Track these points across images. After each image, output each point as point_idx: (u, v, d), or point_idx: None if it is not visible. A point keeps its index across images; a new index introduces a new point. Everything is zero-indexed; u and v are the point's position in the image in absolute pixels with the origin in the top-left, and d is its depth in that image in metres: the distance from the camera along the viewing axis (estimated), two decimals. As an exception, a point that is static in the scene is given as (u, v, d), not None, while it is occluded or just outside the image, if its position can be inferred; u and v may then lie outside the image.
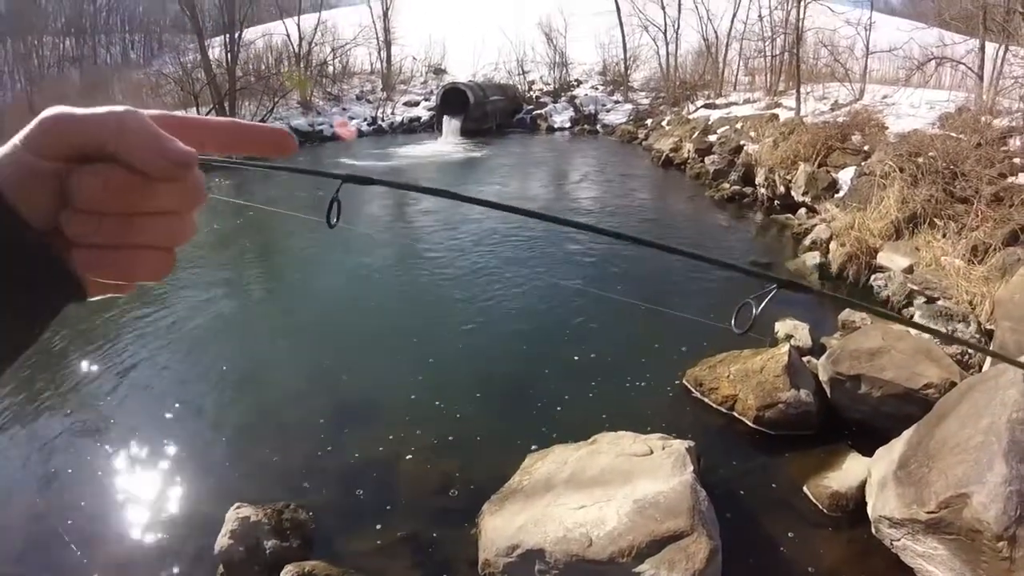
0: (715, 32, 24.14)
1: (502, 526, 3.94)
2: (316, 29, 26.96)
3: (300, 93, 24.12)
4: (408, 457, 4.97)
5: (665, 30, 25.38)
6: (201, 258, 10.19)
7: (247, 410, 5.85)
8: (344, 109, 26.15)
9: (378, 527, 4.30)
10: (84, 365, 6.85)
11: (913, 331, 6.11)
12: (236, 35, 22.73)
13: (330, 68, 28.27)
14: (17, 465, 5.23)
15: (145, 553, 4.26)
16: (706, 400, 5.61)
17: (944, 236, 7.95)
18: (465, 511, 4.31)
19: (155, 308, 8.21)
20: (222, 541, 3.99)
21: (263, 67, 25.43)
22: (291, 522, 4.20)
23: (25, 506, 4.74)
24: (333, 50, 27.95)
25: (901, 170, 9.22)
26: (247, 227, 12.45)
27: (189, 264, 9.88)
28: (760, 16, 21.88)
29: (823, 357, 5.65)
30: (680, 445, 4.26)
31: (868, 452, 4.53)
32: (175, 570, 4.08)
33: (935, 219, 8.29)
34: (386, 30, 29.62)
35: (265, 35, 26.63)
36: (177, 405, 5.99)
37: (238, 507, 4.18)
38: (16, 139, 0.45)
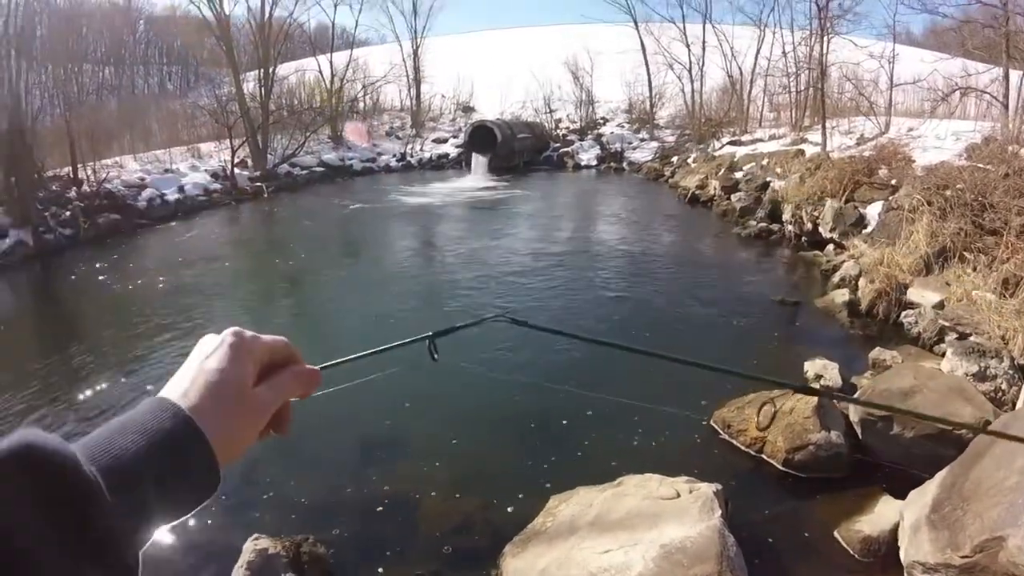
0: (739, 69, 24.34)
1: (524, 569, 3.92)
2: (348, 66, 27.62)
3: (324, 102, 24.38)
4: (429, 495, 4.96)
5: (690, 68, 25.64)
6: (226, 287, 10.44)
7: (267, 442, 5.88)
8: (374, 145, 26.67)
9: (397, 565, 4.29)
10: (105, 386, 7.05)
11: (945, 368, 6.03)
12: (270, 70, 23.39)
13: (361, 104, 28.88)
14: None
15: None
16: (734, 442, 5.53)
17: (975, 270, 7.83)
18: (486, 552, 4.28)
19: (180, 335, 8.41)
20: (239, 572, 3.99)
21: (296, 102, 26.09)
22: (309, 556, 4.18)
23: None
24: (364, 87, 28.61)
25: (929, 203, 9.13)
26: (266, 257, 12.69)
27: (222, 289, 10.10)
28: (784, 52, 22.03)
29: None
30: (708, 489, 4.21)
31: (900, 495, 4.41)
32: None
33: (965, 252, 8.17)
34: (416, 68, 30.35)
35: (298, 71, 27.36)
36: None
37: (256, 538, 4.19)
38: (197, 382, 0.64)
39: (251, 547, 4.12)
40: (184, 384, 0.63)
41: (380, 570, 4.27)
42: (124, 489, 0.51)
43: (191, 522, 4.79)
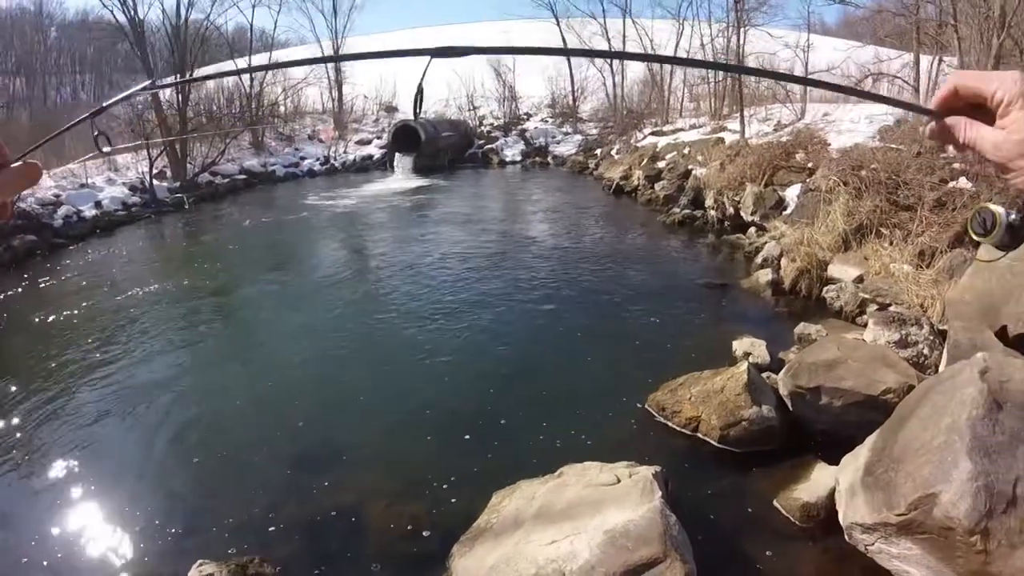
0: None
1: (473, 567, 3.86)
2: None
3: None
4: (374, 503, 4.85)
5: (611, 62, 25.94)
6: (151, 306, 9.98)
7: (203, 462, 5.66)
8: (297, 149, 26.07)
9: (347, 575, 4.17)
10: (35, 419, 6.62)
11: (868, 338, 6.21)
12: (187, 76, 22.57)
13: (281, 108, 28.23)
14: None
15: None
16: (670, 424, 5.58)
17: (891, 244, 8.13)
18: (435, 554, 4.20)
19: (114, 359, 8.01)
20: None
21: (214, 108, 25.27)
22: None
23: None
24: (284, 90, 27.93)
25: (845, 184, 9.45)
26: (191, 272, 12.22)
27: (146, 312, 9.67)
28: (702, 44, 22.55)
29: (782, 372, 5.68)
30: (647, 471, 4.22)
31: (834, 461, 4.53)
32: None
33: (881, 228, 8.48)
34: (337, 70, 29.80)
35: (216, 76, 26.47)
36: (130, 462, 5.80)
37: (200, 564, 4.04)
38: None
39: (196, 573, 3.98)
40: None
41: (332, 582, 4.14)
42: None
43: (132, 553, 4.55)
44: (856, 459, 4.20)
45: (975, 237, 0.98)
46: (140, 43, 22.00)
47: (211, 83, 25.76)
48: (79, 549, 4.65)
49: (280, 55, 28.05)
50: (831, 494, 4.29)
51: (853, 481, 4.04)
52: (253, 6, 28.03)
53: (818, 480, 4.49)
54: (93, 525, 4.89)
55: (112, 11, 21.65)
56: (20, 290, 11.55)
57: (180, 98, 22.08)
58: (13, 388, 7.37)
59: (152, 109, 21.73)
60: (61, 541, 4.75)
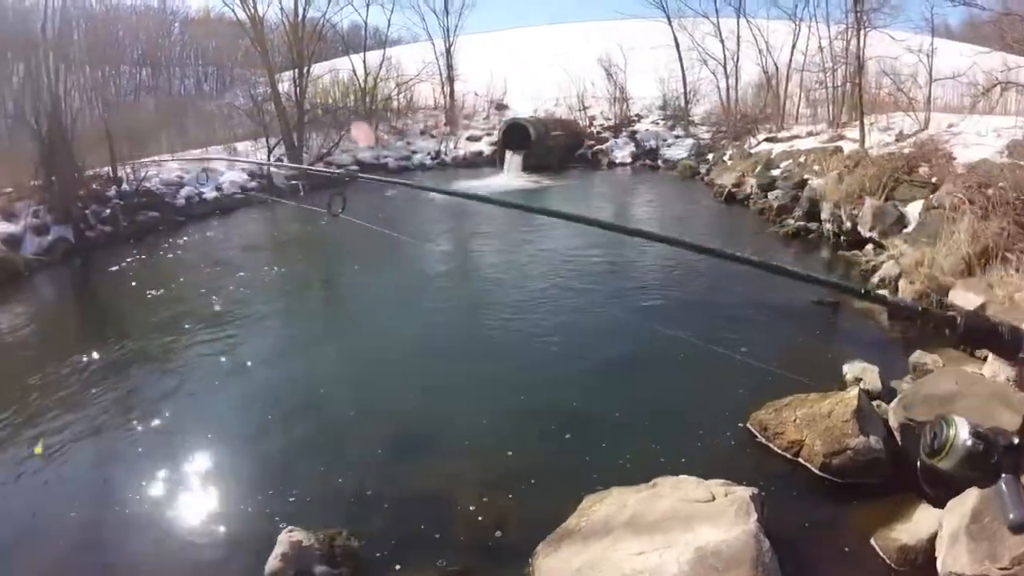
0: (775, 64, 23.97)
1: (558, 568, 3.93)
2: (381, 65, 27.86)
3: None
4: (462, 491, 5.01)
5: (725, 63, 25.35)
6: (266, 282, 10.62)
7: (305, 435, 6.04)
8: (408, 143, 26.88)
9: (429, 560, 4.33)
10: (146, 382, 7.28)
11: (987, 373, 5.92)
12: (304, 70, 23.66)
13: (394, 103, 29.08)
14: (75, 474, 5.55)
15: (195, 566, 4.41)
16: (770, 445, 5.49)
17: (1018, 271, 7.65)
18: (519, 550, 4.29)
19: (220, 330, 8.64)
20: (272, 563, 4.06)
21: (330, 101, 26.34)
22: (342, 549, 4.24)
23: (79, 515, 4.99)
24: (397, 85, 28.79)
25: (971, 202, 8.94)
26: (304, 252, 12.88)
27: (257, 288, 10.31)
28: (820, 47, 21.69)
29: (894, 402, 5.49)
30: (744, 492, 4.20)
31: (940, 504, 4.32)
32: (223, 586, 4.17)
33: (1007, 253, 7.98)
34: (449, 66, 30.43)
35: (332, 71, 27.64)
36: (235, 425, 6.28)
37: (291, 530, 4.25)
38: None
39: (285, 539, 4.18)
40: None
41: (413, 565, 4.32)
42: None
43: (226, 512, 4.93)
44: (963, 504, 4.02)
45: (922, 454, 0.86)
46: (260, 39, 23.20)
47: (327, 78, 26.87)
48: (175, 503, 5.09)
49: (393, 52, 28.89)
50: (932, 538, 4.12)
51: (957, 527, 3.88)
52: (367, 4, 29.19)
53: (920, 522, 4.30)
54: (189, 481, 5.34)
55: (233, 8, 22.94)
56: (140, 261, 12.59)
57: (297, 91, 23.18)
58: (126, 350, 8.11)
59: (271, 101, 22.93)
60: (159, 494, 5.20)
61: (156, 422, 6.37)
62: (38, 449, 5.05)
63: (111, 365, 7.72)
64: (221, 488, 5.26)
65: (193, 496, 5.19)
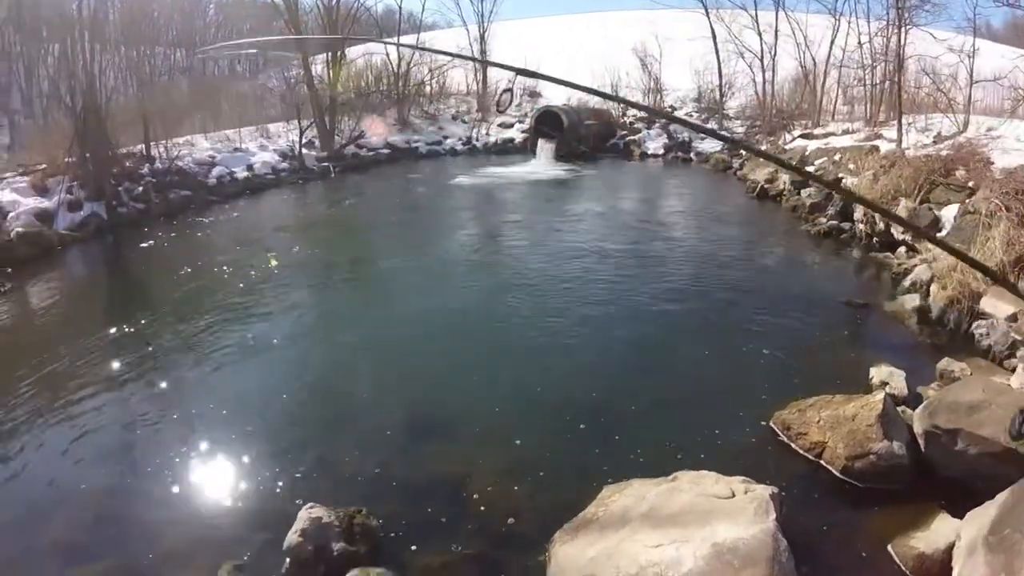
0: (813, 59, 23.51)
1: (574, 555, 3.99)
2: (415, 50, 27.87)
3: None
4: (482, 475, 5.10)
5: (762, 57, 24.93)
6: (293, 264, 10.77)
7: (327, 414, 6.18)
8: (440, 128, 26.92)
9: (446, 542, 4.43)
10: (171, 358, 7.46)
11: (1015, 384, 5.87)
12: (338, 53, 23.74)
13: (427, 88, 29.13)
14: (104, 449, 5.72)
15: (216, 539, 4.55)
16: (793, 445, 5.51)
17: (1052, 282, 7.54)
18: (536, 536, 4.37)
19: (246, 308, 8.86)
20: (292, 538, 4.19)
21: (363, 84, 26.44)
22: (361, 527, 4.35)
23: (109, 486, 5.18)
24: (431, 71, 28.78)
25: (1007, 209, 8.78)
26: (333, 234, 13.04)
27: (285, 268, 10.47)
28: (859, 43, 21.20)
29: (919, 408, 5.45)
30: (764, 491, 4.23)
31: (959, 513, 4.32)
32: (244, 558, 4.32)
33: (1042, 263, 7.87)
34: (482, 52, 30.33)
35: (365, 55, 27.72)
36: (259, 402, 6.42)
37: (311, 507, 4.39)
38: None
39: (305, 515, 4.31)
40: None
41: (430, 546, 4.42)
42: None
43: (248, 487, 5.06)
44: (983, 515, 4.00)
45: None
46: (294, 22, 23.30)
47: (361, 61, 26.92)
48: (198, 478, 5.25)
49: (427, 37, 28.93)
50: (949, 548, 4.10)
51: (975, 538, 3.86)
52: (402, -12, 28.94)
53: (939, 531, 4.30)
54: (214, 458, 5.50)
55: (271, -3, 22.97)
56: (171, 238, 12.87)
57: (331, 74, 23.30)
58: (157, 326, 8.33)
59: (304, 83, 23.07)
60: (181, 469, 5.36)
61: (181, 398, 6.57)
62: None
63: (139, 340, 7.93)
64: (243, 463, 5.41)
65: (216, 471, 5.34)
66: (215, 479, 5.22)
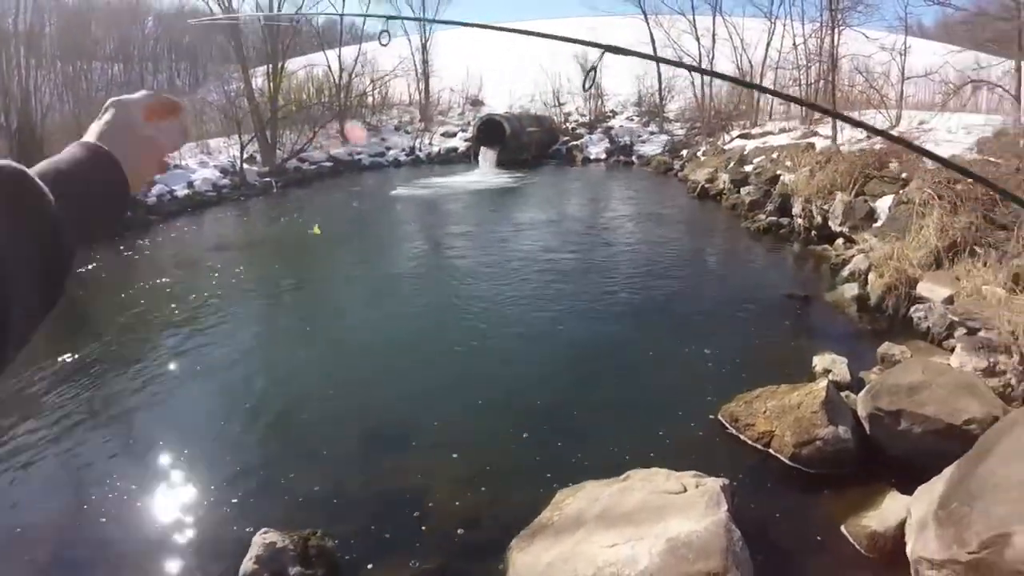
0: (749, 61, 24.12)
1: (531, 563, 3.94)
2: (356, 60, 27.58)
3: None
4: (436, 488, 5.00)
5: (700, 60, 25.45)
6: (230, 285, 10.49)
7: (276, 435, 5.99)
8: (383, 139, 26.68)
9: (404, 558, 4.32)
10: (121, 386, 7.12)
11: (955, 363, 6.00)
12: (278, 65, 23.34)
13: (369, 99, 28.85)
14: (49, 481, 5.44)
15: (170, 571, 4.36)
16: (741, 436, 5.54)
17: (985, 264, 7.77)
18: (493, 546, 4.30)
19: (189, 332, 8.51)
20: (247, 565, 4.04)
21: (304, 97, 26.08)
22: (317, 549, 4.22)
23: (55, 519, 4.91)
24: (372, 81, 28.49)
25: (940, 197, 9.07)
26: (276, 252, 12.77)
27: (229, 289, 10.18)
28: (795, 44, 21.82)
29: (862, 392, 5.54)
30: (714, 483, 4.22)
31: (908, 490, 4.40)
32: (199, 589, 4.12)
33: (975, 247, 8.12)
34: (425, 62, 30.17)
35: (307, 66, 27.34)
36: (206, 428, 6.19)
37: (264, 532, 4.24)
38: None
39: (259, 541, 4.17)
40: (87, 136, 0.91)
41: (387, 563, 4.30)
42: (62, 194, 0.75)
43: (199, 516, 4.85)
44: (931, 491, 4.08)
45: None
46: (234, 33, 22.89)
47: (302, 73, 26.58)
48: (148, 508, 5.01)
49: (369, 47, 28.66)
50: (901, 525, 4.18)
51: (925, 513, 3.93)
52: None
53: (889, 509, 4.36)
54: (163, 486, 5.26)
55: (208, 2, 22.57)
56: (112, 261, 12.37)
57: (271, 86, 22.93)
58: (96, 353, 7.97)
59: (244, 96, 22.66)
60: (131, 499, 5.11)
61: (127, 426, 6.29)
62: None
63: (82, 367, 7.58)
64: (194, 490, 5.19)
65: (165, 497, 5.11)
66: (165, 509, 4.99)
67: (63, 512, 5.00)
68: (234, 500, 5.01)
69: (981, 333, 6.58)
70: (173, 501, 5.06)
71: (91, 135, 0.91)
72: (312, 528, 4.39)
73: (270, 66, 23.29)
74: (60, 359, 7.71)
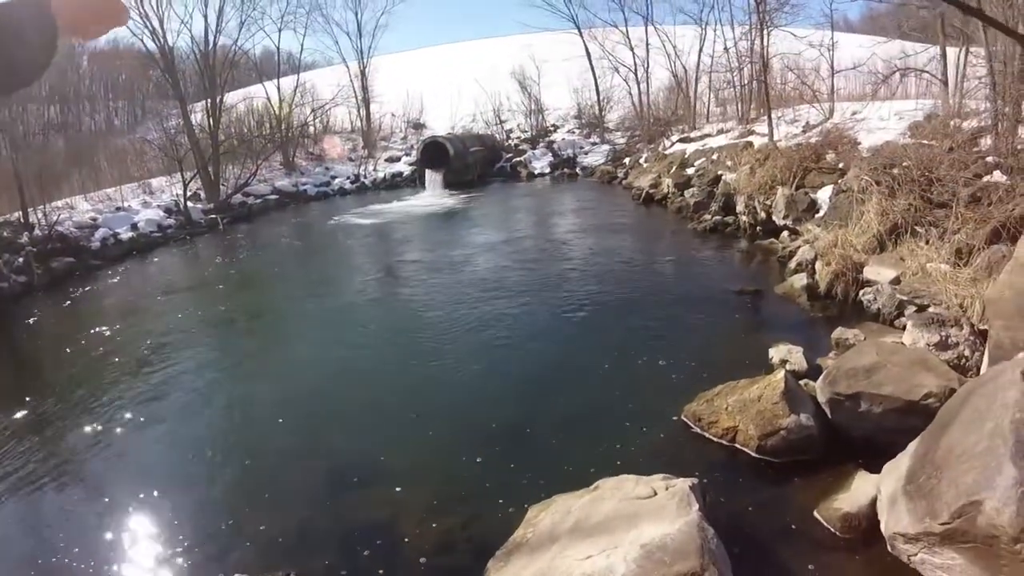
0: (684, 67, 24.63)
1: (509, 583, 3.83)
2: (296, 90, 27.38)
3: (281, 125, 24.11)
4: (408, 516, 4.88)
5: (635, 70, 25.87)
6: (188, 325, 10.20)
7: (242, 476, 5.77)
8: (327, 168, 26.46)
9: (380, 592, 4.16)
10: (76, 437, 6.83)
11: (907, 341, 6.09)
12: (217, 99, 23.03)
13: (311, 128, 28.62)
14: (7, 534, 5.21)
15: None
16: (706, 435, 5.52)
17: (927, 243, 7.97)
18: (470, 569, 4.21)
19: (141, 379, 8.19)
20: None
21: (245, 130, 25.76)
22: None
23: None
24: (313, 110, 28.29)
25: (878, 183, 9.29)
26: (226, 291, 12.46)
27: (181, 331, 9.87)
28: (726, 48, 22.32)
29: (820, 379, 5.58)
30: (683, 484, 4.18)
31: (876, 469, 4.44)
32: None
33: (916, 227, 8.32)
34: (364, 88, 30.07)
35: (246, 99, 27.04)
36: (170, 474, 5.94)
37: None
38: None
39: None
40: None
41: (364, 598, 4.15)
42: None
43: (169, 563, 4.65)
44: (898, 467, 4.11)
45: None
46: (170, 69, 22.59)
47: (241, 106, 26.27)
48: (113, 558, 4.78)
49: (307, 76, 28.48)
50: (873, 503, 4.20)
51: (895, 490, 3.95)
52: (279, 30, 28.54)
53: (859, 489, 4.39)
54: (127, 535, 5.03)
55: (142, 39, 22.22)
56: (58, 311, 11.96)
57: (211, 121, 22.60)
58: (49, 405, 7.67)
59: (184, 133, 22.28)
60: (95, 550, 4.88)
61: (84, 478, 6.01)
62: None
63: (35, 420, 7.28)
64: (158, 538, 4.95)
65: (130, 547, 4.88)
66: (133, 559, 4.75)
67: (23, 567, 4.75)
68: (203, 546, 4.81)
69: (930, 309, 6.72)
70: (139, 552, 4.83)
71: None
72: (284, 569, 4.29)
73: (208, 101, 22.94)
74: (7, 414, 7.38)
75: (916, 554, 3.71)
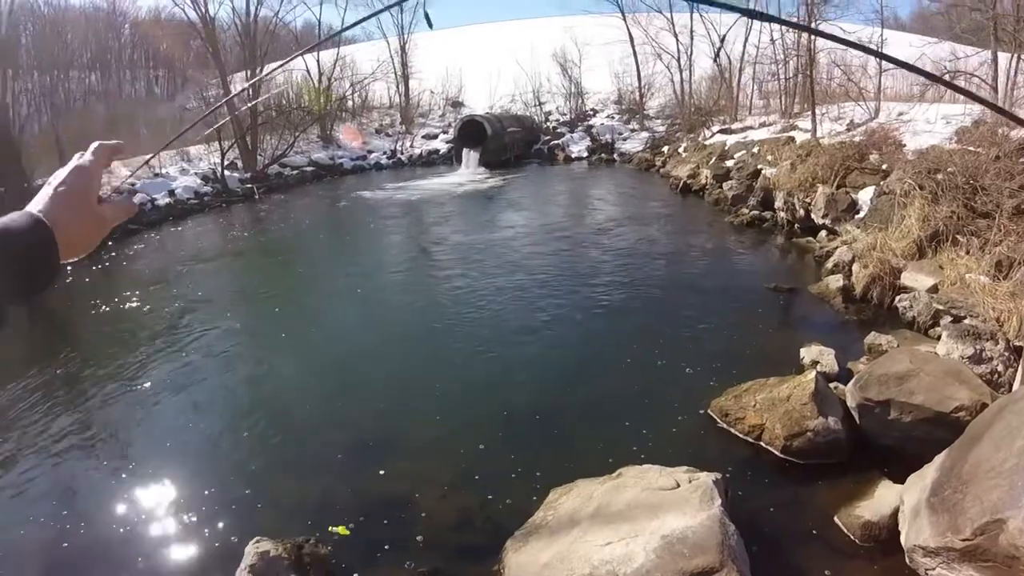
0: (728, 57, 24.26)
1: (527, 563, 3.91)
2: (335, 64, 27.46)
3: (318, 108, 24.27)
4: (429, 491, 4.95)
5: (678, 57, 25.56)
6: (220, 292, 10.37)
7: (267, 444, 5.90)
8: (364, 143, 26.57)
9: (399, 563, 4.28)
10: (106, 400, 7.00)
11: (941, 351, 6.03)
12: (257, 71, 23.19)
13: (349, 103, 28.72)
14: (38, 495, 5.33)
15: None
16: (732, 430, 5.53)
17: (967, 253, 7.84)
18: (488, 547, 4.27)
19: (172, 343, 8.39)
20: (241, 575, 3.98)
21: (284, 102, 25.99)
22: (311, 557, 4.17)
23: (45, 535, 4.82)
24: (352, 84, 28.37)
25: (921, 187, 9.13)
26: (260, 260, 12.64)
27: (214, 297, 10.04)
28: (772, 39, 21.98)
29: (851, 383, 5.55)
30: (707, 478, 4.21)
31: (900, 479, 4.41)
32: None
33: (958, 236, 8.18)
34: (404, 64, 30.13)
35: (285, 71, 27.24)
36: (197, 439, 6.10)
37: (257, 541, 4.17)
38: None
39: (253, 550, 4.10)
40: (39, 203, 0.93)
41: (382, 568, 4.26)
42: None
43: (193, 526, 4.78)
44: (923, 478, 4.09)
45: None
46: (211, 39, 22.74)
47: (281, 77, 26.44)
48: (139, 521, 4.93)
49: (348, 51, 28.52)
50: (894, 513, 4.19)
51: (918, 501, 3.94)
52: (321, 2, 28.71)
53: (882, 498, 4.38)
54: (155, 498, 5.18)
55: (184, 8, 22.39)
56: (94, 274, 12.19)
57: (250, 92, 22.78)
58: (84, 366, 7.87)
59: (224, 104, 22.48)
60: (123, 512, 5.04)
61: (118, 438, 6.19)
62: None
63: (67, 382, 7.47)
64: (187, 500, 5.10)
65: (158, 509, 5.03)
66: (156, 521, 4.90)
67: (52, 528, 4.90)
68: (226, 510, 4.94)
69: (966, 321, 6.63)
70: (164, 513, 4.98)
71: (43, 198, 0.95)
72: (305, 535, 4.35)
73: (248, 71, 23.11)
74: (42, 374, 7.60)
75: (934, 568, 3.69)
